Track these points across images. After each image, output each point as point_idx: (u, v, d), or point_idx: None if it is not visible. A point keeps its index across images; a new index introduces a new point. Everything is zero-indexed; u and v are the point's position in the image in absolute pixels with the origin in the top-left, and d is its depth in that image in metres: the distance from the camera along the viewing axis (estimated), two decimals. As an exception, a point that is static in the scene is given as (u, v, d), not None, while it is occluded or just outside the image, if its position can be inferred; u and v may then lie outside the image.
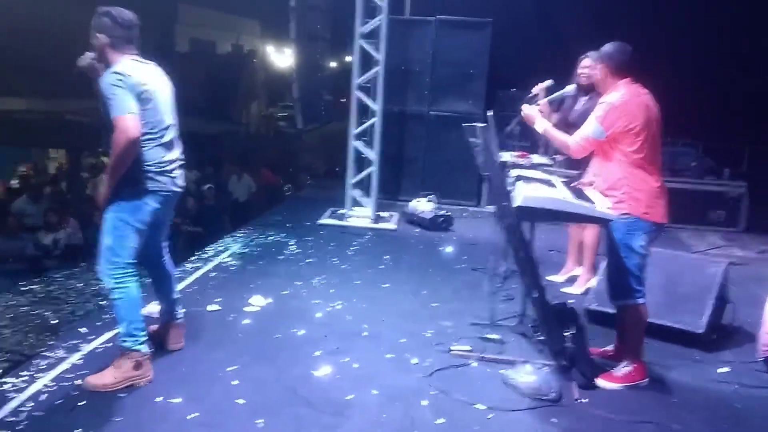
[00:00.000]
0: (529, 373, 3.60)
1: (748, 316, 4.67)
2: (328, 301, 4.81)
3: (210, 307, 4.55)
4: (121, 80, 3.25)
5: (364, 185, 7.63)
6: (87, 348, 3.81)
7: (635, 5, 8.44)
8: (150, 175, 3.39)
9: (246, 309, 4.57)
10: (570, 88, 4.93)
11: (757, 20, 8.03)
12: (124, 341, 3.43)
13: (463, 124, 3.94)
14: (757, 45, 7.93)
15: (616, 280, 3.71)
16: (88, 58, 3.50)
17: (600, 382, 3.71)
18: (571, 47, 6.30)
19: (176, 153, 3.56)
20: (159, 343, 3.80)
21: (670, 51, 7.79)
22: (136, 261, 3.46)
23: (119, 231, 3.38)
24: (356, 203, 7.53)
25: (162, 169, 3.44)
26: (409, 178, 8.73)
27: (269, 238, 6.55)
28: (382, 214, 7.56)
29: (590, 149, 3.69)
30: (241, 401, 3.31)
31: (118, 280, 3.39)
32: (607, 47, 3.73)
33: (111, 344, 3.87)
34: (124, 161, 3.28)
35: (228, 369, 3.64)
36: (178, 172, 3.55)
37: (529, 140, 7.90)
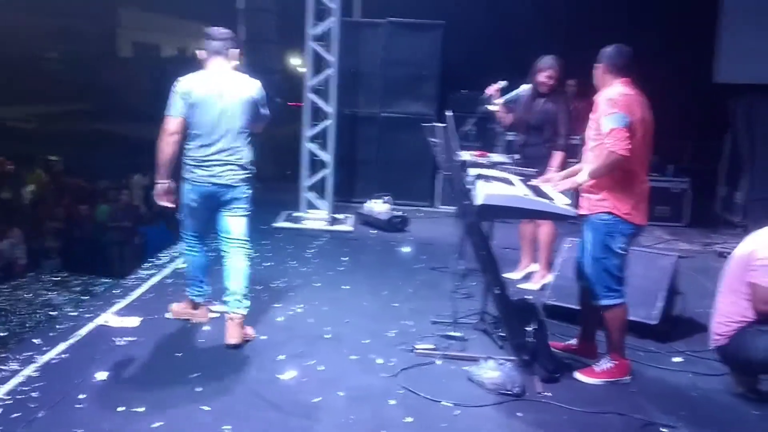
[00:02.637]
0: (493, 369, 3.65)
1: (697, 307, 4.84)
2: (289, 305, 4.78)
3: (169, 314, 4.46)
4: (175, 86, 3.97)
5: (318, 188, 7.60)
6: (42, 359, 3.69)
7: (584, 6, 8.62)
8: (188, 167, 4.03)
9: (206, 315, 4.51)
10: (524, 88, 5.03)
11: (697, 15, 8.32)
12: (185, 290, 4.42)
13: (423, 124, 3.98)
14: (696, 41, 8.21)
15: (596, 282, 3.76)
16: None
17: (579, 376, 3.79)
18: (522, 48, 6.45)
19: (224, 151, 4.00)
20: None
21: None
22: (195, 236, 4.25)
23: (181, 209, 4.18)
24: (311, 206, 7.49)
25: (199, 164, 4.00)
26: (363, 180, 8.73)
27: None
28: (337, 216, 7.55)
29: (627, 140, 3.48)
30: (206, 408, 3.26)
31: (183, 247, 4.35)
32: (608, 48, 3.75)
33: (68, 355, 3.77)
34: (162, 149, 3.95)
35: (191, 376, 3.58)
36: (218, 169, 4.00)
37: (484, 141, 8.08)
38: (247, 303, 4.11)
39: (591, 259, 3.76)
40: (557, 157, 5.09)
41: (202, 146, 3.98)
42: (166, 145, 3.95)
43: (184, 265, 4.43)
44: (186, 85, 3.96)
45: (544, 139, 5.18)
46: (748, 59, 7.58)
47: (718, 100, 8.10)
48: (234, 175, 4.04)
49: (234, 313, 4.04)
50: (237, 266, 4.14)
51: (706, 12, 8.18)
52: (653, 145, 3.76)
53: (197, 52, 4.16)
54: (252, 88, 4.08)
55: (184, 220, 4.23)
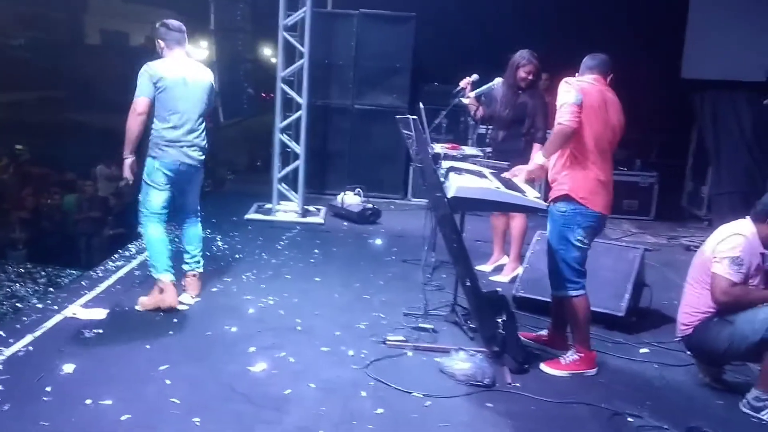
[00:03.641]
0: (464, 360, 3.68)
1: (663, 299, 4.93)
2: (260, 297, 4.75)
3: (138, 306, 4.40)
4: (145, 71, 4.22)
5: (289, 179, 7.56)
6: (7, 352, 3.62)
7: (555, 1, 8.68)
8: (158, 146, 4.31)
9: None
10: (497, 81, 5.06)
11: (666, 12, 8.43)
12: (149, 270, 4.47)
13: (396, 116, 3.97)
14: (666, 38, 8.33)
15: (554, 272, 3.82)
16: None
17: (545, 368, 3.84)
18: (494, 42, 6.50)
19: (191, 132, 4.37)
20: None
21: (586, 44, 8.08)
22: (161, 213, 4.40)
23: (144, 188, 4.40)
24: (282, 197, 7.45)
25: (169, 143, 4.30)
26: (334, 172, 8.69)
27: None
28: (309, 208, 7.52)
29: (575, 114, 3.55)
30: (175, 400, 3.24)
31: (143, 224, 4.41)
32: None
33: (34, 347, 3.70)
34: (130, 128, 4.21)
35: (160, 368, 3.55)
36: (188, 149, 4.38)
37: (455, 133, 8.11)
38: (203, 262, 4.76)
39: (550, 249, 3.82)
40: (536, 149, 5.13)
41: (172, 127, 4.32)
42: (135, 124, 4.21)
43: (145, 243, 4.51)
44: (156, 69, 4.26)
45: (523, 132, 5.22)
46: (715, 56, 7.73)
47: (686, 96, 8.23)
48: (200, 155, 4.48)
49: (196, 271, 4.66)
50: (197, 234, 4.71)
51: (675, 9, 8.30)
52: (617, 143, 3.80)
53: (158, 41, 4.41)
54: (209, 76, 4.52)
55: (147, 198, 4.39)
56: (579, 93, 3.58)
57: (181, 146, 4.36)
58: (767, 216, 3.59)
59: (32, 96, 18.00)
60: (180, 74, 4.32)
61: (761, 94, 7.23)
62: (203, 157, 4.52)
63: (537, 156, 3.73)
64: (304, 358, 3.80)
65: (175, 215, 4.63)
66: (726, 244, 3.55)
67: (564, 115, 3.56)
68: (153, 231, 4.40)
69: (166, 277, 4.37)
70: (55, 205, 10.16)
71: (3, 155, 13.26)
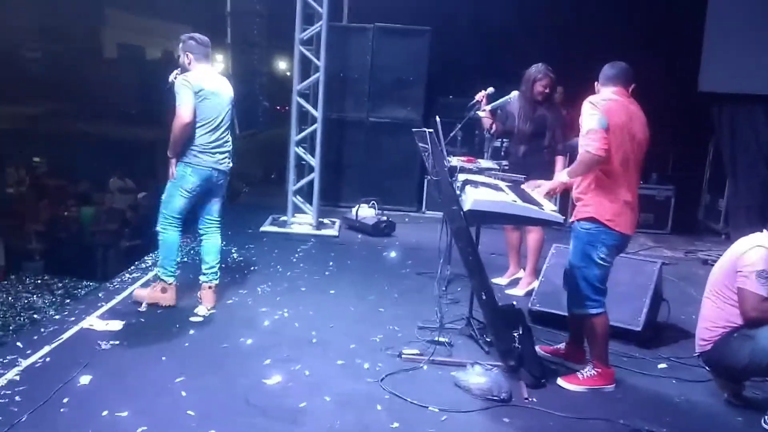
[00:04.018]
0: (480, 375, 3.65)
1: (681, 314, 4.89)
2: (275, 309, 4.76)
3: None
4: (186, 82, 4.40)
5: (304, 192, 7.59)
6: (25, 363, 3.64)
7: (570, 14, 8.68)
8: (193, 153, 4.48)
9: (191, 319, 4.47)
10: (513, 95, 5.05)
11: (684, 25, 8.40)
12: (158, 271, 4.64)
13: (413, 130, 3.97)
14: (683, 51, 8.29)
15: (574, 290, 3.78)
16: (174, 75, 4.56)
17: (562, 383, 3.80)
18: (508, 56, 6.50)
19: (222, 140, 4.60)
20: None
21: (601, 57, 8.07)
22: (181, 218, 4.56)
23: (169, 192, 4.54)
24: (297, 210, 7.47)
25: (204, 150, 4.50)
26: (349, 185, 8.72)
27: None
28: (324, 220, 7.54)
29: (602, 140, 3.49)
30: (191, 412, 3.23)
31: (162, 226, 4.55)
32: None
33: (51, 358, 3.72)
34: (180, 135, 4.40)
35: (176, 380, 3.55)
36: (220, 156, 4.59)
37: (470, 146, 8.11)
38: (219, 274, 4.83)
39: (572, 266, 3.78)
40: (560, 162, 5.15)
41: (206, 134, 4.51)
42: (184, 133, 4.42)
43: (160, 244, 4.61)
44: (196, 80, 4.46)
45: (545, 145, 5.22)
46: (732, 69, 7.67)
47: (703, 109, 8.19)
48: (229, 163, 4.70)
49: (212, 283, 4.72)
50: (216, 244, 4.78)
51: (692, 22, 8.25)
52: (643, 156, 3.73)
53: (186, 54, 4.54)
54: (231, 88, 4.73)
55: (172, 202, 4.53)
56: (604, 115, 3.51)
57: (214, 154, 4.57)
58: (785, 229, 3.55)
59: (48, 108, 18.20)
60: (214, 85, 4.56)
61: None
62: (231, 166, 4.72)
63: (561, 175, 3.69)
64: (319, 371, 3.79)
65: (196, 224, 4.73)
66: (749, 258, 3.51)
67: (591, 143, 3.50)
68: (171, 234, 4.57)
69: (172, 280, 4.63)
70: (71, 217, 10.25)
71: (20, 167, 13.42)
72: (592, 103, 3.58)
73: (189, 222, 4.73)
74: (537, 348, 4.17)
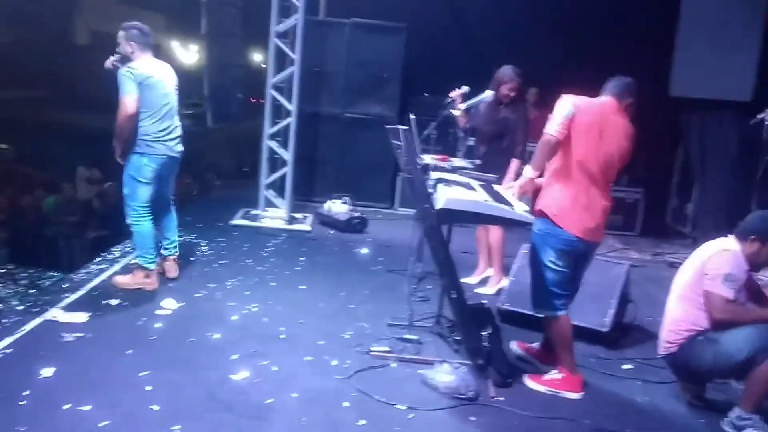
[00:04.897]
0: (448, 373, 3.66)
1: (647, 315, 4.94)
2: (244, 304, 4.71)
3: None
4: (130, 73, 4.47)
5: (276, 186, 7.53)
6: (-14, 355, 3.57)
7: (545, 16, 8.73)
8: (145, 142, 4.60)
9: (157, 312, 4.41)
10: (487, 94, 5.07)
11: (655, 30, 8.49)
12: (138, 260, 4.76)
13: (386, 126, 3.96)
14: (654, 55, 8.39)
15: (533, 290, 3.80)
16: (110, 61, 4.65)
17: (527, 380, 3.82)
18: (484, 54, 6.53)
19: (172, 126, 4.75)
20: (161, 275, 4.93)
21: (575, 59, 8.14)
22: (148, 206, 4.68)
23: (129, 184, 4.65)
24: (269, 204, 7.42)
25: (156, 138, 4.63)
26: (322, 180, 8.68)
27: (179, 238, 6.33)
28: (296, 215, 7.49)
29: (561, 126, 3.51)
30: (155, 407, 3.20)
31: (133, 218, 4.68)
32: None
33: (13, 350, 3.65)
34: (125, 126, 4.51)
35: (140, 374, 3.50)
36: (171, 143, 4.75)
37: (444, 145, 8.11)
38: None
39: (530, 268, 3.82)
40: (513, 164, 5.14)
41: (156, 122, 4.63)
42: (129, 125, 4.52)
43: (135, 236, 4.76)
44: (141, 70, 4.54)
45: (503, 147, 5.23)
46: (703, 75, 7.80)
47: (673, 114, 8.30)
48: (180, 148, 4.86)
49: (175, 255, 5.06)
50: (174, 220, 5.08)
51: (664, 27, 8.37)
52: (613, 170, 3.68)
53: (129, 43, 4.60)
54: (175, 75, 4.86)
55: (136, 192, 4.66)
56: (572, 107, 3.53)
57: (166, 141, 4.71)
58: (750, 234, 3.61)
59: (18, 95, 17.84)
60: (160, 74, 4.69)
61: (747, 113, 7.30)
62: (182, 149, 4.89)
63: (526, 169, 3.71)
64: (287, 367, 3.77)
65: (152, 206, 4.81)
66: (716, 261, 3.56)
67: (550, 126, 3.53)
68: (144, 225, 4.71)
69: (154, 266, 4.79)
70: (36, 206, 10.04)
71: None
72: (565, 96, 3.60)
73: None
74: (513, 343, 4.22)
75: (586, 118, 3.56)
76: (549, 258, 3.65)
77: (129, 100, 4.47)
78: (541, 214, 3.67)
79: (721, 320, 3.53)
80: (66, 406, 3.12)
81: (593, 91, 3.77)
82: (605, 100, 3.72)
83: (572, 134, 3.55)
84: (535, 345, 4.22)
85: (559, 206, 3.62)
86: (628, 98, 3.74)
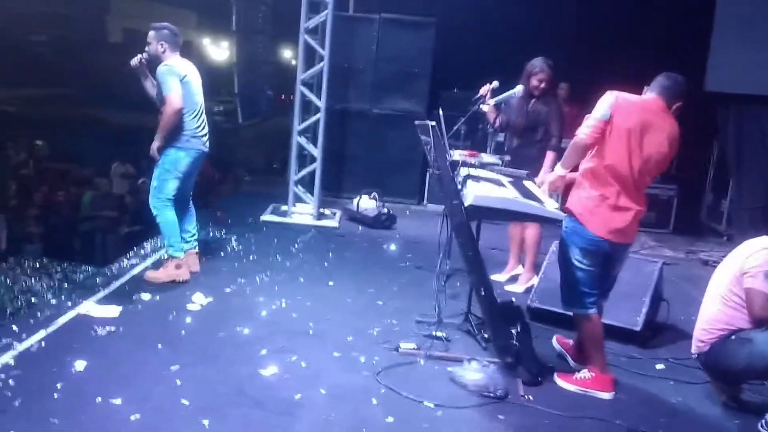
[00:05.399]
0: (476, 371, 3.63)
1: (680, 314, 4.86)
2: (273, 299, 4.73)
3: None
4: (171, 70, 4.66)
5: (305, 182, 7.56)
6: (20, 347, 3.61)
7: (579, 10, 8.62)
8: (185, 137, 4.79)
9: (188, 307, 4.45)
10: (518, 89, 5.01)
11: (691, 24, 8.34)
12: (167, 250, 4.88)
13: (415, 122, 3.93)
14: (690, 50, 8.24)
15: (562, 287, 3.75)
16: (137, 59, 4.79)
17: (557, 379, 3.78)
18: (514, 49, 6.43)
19: (204, 123, 4.93)
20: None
21: (607, 54, 8.03)
22: (172, 198, 4.83)
23: (162, 177, 4.81)
24: (298, 200, 7.45)
25: (194, 133, 4.83)
26: (351, 176, 8.69)
27: (210, 234, 6.40)
28: (324, 211, 7.51)
29: (593, 129, 3.43)
30: (185, 401, 3.22)
31: (159, 210, 4.81)
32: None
33: (45, 343, 3.71)
34: (171, 121, 4.68)
35: (171, 368, 3.54)
36: (205, 138, 4.94)
37: (473, 140, 8.07)
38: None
39: (559, 265, 3.77)
40: (549, 157, 5.07)
41: (193, 119, 4.82)
42: (176, 119, 4.69)
43: (162, 226, 4.87)
44: (179, 68, 4.73)
45: (536, 140, 5.17)
46: (739, 69, 7.62)
47: (708, 109, 8.13)
48: (208, 144, 5.00)
49: (195, 248, 5.16)
50: (194, 214, 5.21)
51: (700, 21, 8.20)
52: (650, 174, 3.55)
53: (161, 43, 4.75)
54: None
55: (166, 185, 4.81)
56: (609, 109, 3.41)
57: (201, 137, 4.91)
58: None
59: (52, 92, 18.17)
60: (191, 72, 4.85)
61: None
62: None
63: (557, 167, 3.65)
64: (315, 363, 3.78)
65: (177, 200, 4.94)
66: (757, 259, 3.48)
67: (583, 129, 3.47)
68: (170, 215, 4.85)
69: (182, 255, 4.92)
70: (71, 202, 10.20)
71: (22, 150, 13.37)
72: (609, 94, 3.48)
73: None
74: (553, 337, 4.19)
75: (624, 122, 3.43)
76: (575, 256, 3.60)
77: (175, 96, 4.64)
78: (569, 212, 3.62)
79: (764, 317, 3.44)
80: (98, 399, 3.15)
81: (625, 86, 3.67)
82: (650, 98, 3.55)
83: (607, 137, 3.45)
84: (571, 341, 4.16)
85: (585, 207, 3.55)
86: (678, 101, 3.55)
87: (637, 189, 3.55)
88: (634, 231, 3.65)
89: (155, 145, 4.78)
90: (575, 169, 3.64)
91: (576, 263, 3.60)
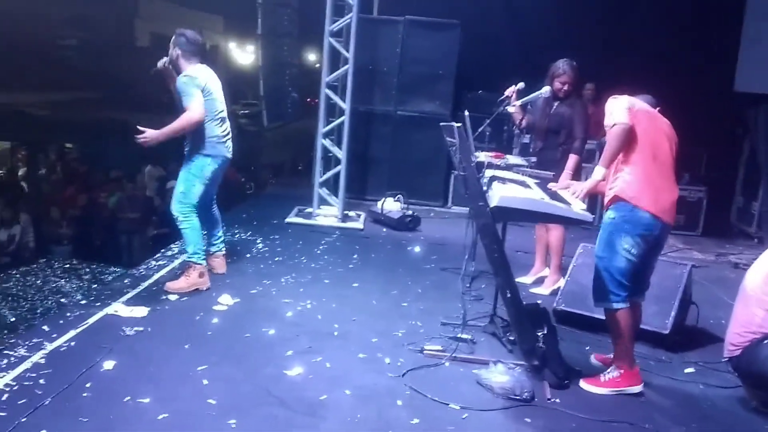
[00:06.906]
0: (502, 373, 3.61)
1: (710, 318, 4.79)
2: (298, 300, 4.76)
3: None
4: (192, 80, 4.60)
5: (330, 184, 7.58)
6: (50, 347, 3.68)
7: (602, 9, 8.55)
8: (211, 144, 4.76)
9: (214, 308, 4.49)
10: (545, 90, 4.98)
11: (720, 24, 8.22)
12: (191, 257, 4.78)
13: (441, 124, 3.92)
14: (719, 50, 8.13)
15: (596, 282, 3.70)
16: (162, 62, 4.80)
17: (584, 385, 3.73)
18: (539, 50, 6.40)
19: (227, 129, 4.91)
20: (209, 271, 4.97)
21: (635, 56, 7.94)
22: (196, 204, 4.77)
23: (189, 182, 4.75)
24: (323, 202, 7.47)
25: (221, 140, 4.82)
26: (375, 178, 8.70)
27: (235, 236, 6.45)
28: (349, 213, 7.53)
29: (631, 115, 3.52)
30: (212, 401, 3.24)
31: (185, 216, 4.73)
32: None
33: (74, 343, 3.76)
34: (182, 131, 4.63)
35: (198, 369, 3.57)
36: (229, 144, 4.93)
37: (498, 142, 8.03)
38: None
39: (596, 257, 3.71)
40: (572, 160, 5.03)
41: (217, 125, 4.80)
42: (194, 128, 4.63)
43: (186, 233, 4.77)
44: (201, 77, 4.68)
45: (559, 142, 5.13)
46: (768, 70, 7.49)
47: (738, 110, 8.01)
48: (232, 149, 5.00)
49: (222, 250, 5.21)
50: (218, 217, 5.20)
51: (729, 21, 8.08)
52: (674, 156, 3.67)
53: (174, 49, 4.71)
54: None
55: (192, 191, 4.75)
56: (627, 100, 3.56)
57: (226, 143, 4.90)
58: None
59: (81, 96, 18.45)
60: (212, 80, 4.80)
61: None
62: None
63: (596, 171, 3.61)
64: (340, 364, 3.78)
65: (200, 206, 4.90)
66: None
67: (616, 117, 3.50)
68: (195, 221, 4.80)
69: (204, 263, 4.88)
70: (100, 203, 10.36)
71: (51, 153, 13.61)
72: (614, 96, 3.61)
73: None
74: (592, 356, 4.13)
75: (641, 108, 3.59)
76: (624, 246, 3.56)
77: (196, 106, 4.58)
78: (617, 200, 3.58)
79: None
80: (126, 399, 3.19)
81: (654, 87, 3.70)
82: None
83: (636, 123, 3.53)
84: (611, 355, 4.07)
85: (636, 189, 3.56)
86: (657, 106, 3.80)
87: (669, 171, 3.67)
88: (675, 212, 3.73)
89: (154, 135, 4.54)
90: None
91: (624, 253, 3.56)
